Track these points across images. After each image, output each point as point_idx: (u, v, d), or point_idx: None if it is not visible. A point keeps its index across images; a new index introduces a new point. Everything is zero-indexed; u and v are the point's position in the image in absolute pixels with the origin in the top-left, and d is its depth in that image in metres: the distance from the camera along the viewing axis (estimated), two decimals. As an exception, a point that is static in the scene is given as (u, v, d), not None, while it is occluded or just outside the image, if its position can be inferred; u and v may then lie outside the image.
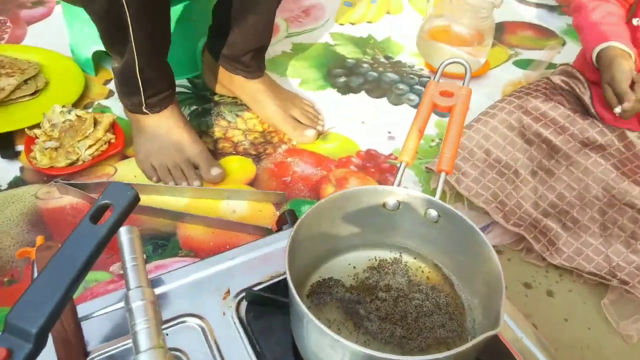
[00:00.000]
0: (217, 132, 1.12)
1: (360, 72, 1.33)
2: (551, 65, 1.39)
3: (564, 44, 1.50)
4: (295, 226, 0.53)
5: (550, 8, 1.64)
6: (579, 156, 0.90)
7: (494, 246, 0.53)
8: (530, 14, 1.61)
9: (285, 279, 0.62)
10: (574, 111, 0.96)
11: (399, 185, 0.60)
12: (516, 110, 0.96)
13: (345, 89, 1.27)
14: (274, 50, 1.36)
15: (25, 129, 1.02)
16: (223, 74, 1.15)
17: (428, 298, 0.58)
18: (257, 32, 1.07)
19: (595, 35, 0.96)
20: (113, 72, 0.96)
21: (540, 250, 0.89)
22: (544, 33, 1.54)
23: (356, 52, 1.40)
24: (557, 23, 1.57)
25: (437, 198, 0.58)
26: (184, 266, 0.63)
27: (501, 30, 1.51)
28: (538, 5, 1.64)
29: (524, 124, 0.95)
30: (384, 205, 0.60)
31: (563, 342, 0.82)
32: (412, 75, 1.33)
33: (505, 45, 1.47)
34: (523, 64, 1.41)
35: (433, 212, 0.59)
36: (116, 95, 1.17)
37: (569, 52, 1.44)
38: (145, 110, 0.97)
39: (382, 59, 1.38)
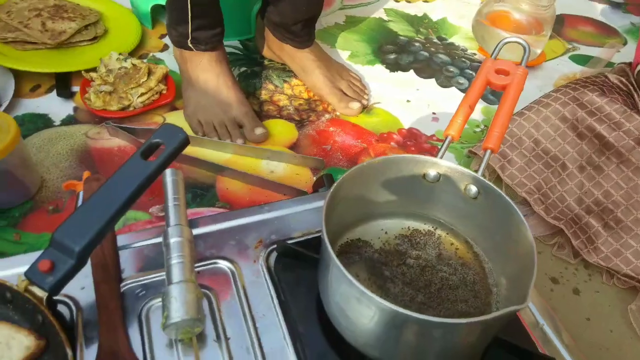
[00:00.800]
0: (264, 95, 1.14)
1: (411, 51, 1.32)
2: (609, 64, 1.35)
3: (625, 43, 1.45)
4: (335, 184, 0.54)
5: (615, 5, 1.58)
6: (631, 154, 0.88)
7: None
8: (593, 10, 1.55)
9: (314, 238, 0.64)
10: (631, 108, 0.93)
11: (441, 158, 0.60)
12: (571, 102, 0.94)
13: (394, 66, 1.27)
14: (326, 20, 1.36)
15: (82, 72, 1.05)
16: (273, 41, 1.16)
17: (456, 273, 0.59)
18: (307, 2, 1.07)
19: None
20: (166, 4, 0.98)
21: (578, 247, 0.88)
22: (605, 30, 1.49)
23: (409, 30, 1.39)
24: (621, 21, 1.52)
25: (479, 175, 0.58)
26: (221, 213, 0.66)
27: (561, 23, 1.46)
28: (602, 1, 1.58)
29: (578, 117, 0.93)
30: (424, 176, 0.60)
31: (583, 340, 0.82)
32: (464, 59, 1.31)
33: (563, 39, 1.43)
34: (579, 60, 1.37)
35: (473, 188, 0.58)
36: (170, 49, 1.20)
37: (629, 52, 1.39)
38: (190, 45, 0.98)
39: (435, 40, 1.37)
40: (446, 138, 0.61)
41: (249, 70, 1.19)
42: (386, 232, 0.62)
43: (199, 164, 0.93)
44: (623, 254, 0.86)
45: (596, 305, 0.86)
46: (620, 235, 0.86)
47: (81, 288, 0.55)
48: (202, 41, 0.98)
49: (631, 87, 1.00)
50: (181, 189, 0.62)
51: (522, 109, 0.97)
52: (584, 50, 1.40)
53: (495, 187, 0.57)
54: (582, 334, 0.82)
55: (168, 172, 0.63)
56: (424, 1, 1.49)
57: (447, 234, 0.63)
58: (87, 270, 0.52)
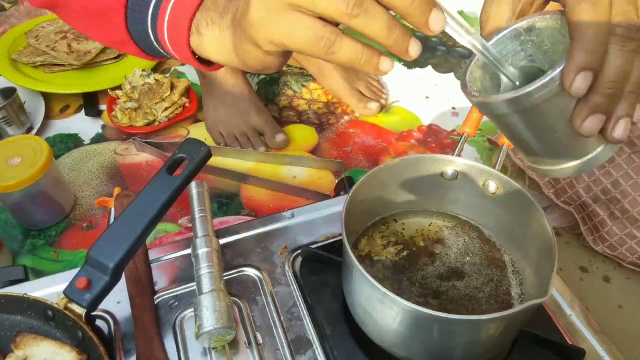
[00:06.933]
0: (283, 100, 1.15)
1: (428, 46, 1.32)
2: None
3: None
4: (353, 188, 0.55)
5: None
6: None
7: (552, 228, 0.53)
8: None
9: (338, 241, 0.65)
10: None
11: (458, 156, 0.60)
12: None
13: (411, 63, 1.27)
14: (342, 22, 1.37)
15: (108, 90, 1.09)
16: (291, 44, 1.18)
17: (479, 271, 0.59)
18: None
19: None
20: None
21: (585, 234, 0.88)
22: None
23: (425, 26, 1.38)
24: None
25: (496, 170, 0.58)
26: (246, 222, 0.68)
27: (580, 7, 1.44)
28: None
29: None
30: (441, 174, 0.61)
31: (616, 328, 0.81)
32: (481, 51, 1.30)
33: (583, 23, 1.40)
34: (601, 43, 1.34)
35: (491, 184, 0.59)
36: (190, 61, 1.22)
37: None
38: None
39: (452, 34, 1.36)
40: (462, 135, 0.62)
41: (268, 77, 1.21)
42: (407, 231, 0.63)
43: (223, 173, 0.95)
44: (628, 244, 0.85)
45: (628, 292, 0.85)
46: (624, 225, 0.85)
47: (117, 302, 0.57)
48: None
49: None
50: (206, 200, 0.64)
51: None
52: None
53: (513, 181, 0.57)
54: (615, 322, 0.82)
55: (193, 184, 0.66)
56: (438, -5, 1.49)
57: (468, 230, 0.64)
58: (122, 285, 0.55)
